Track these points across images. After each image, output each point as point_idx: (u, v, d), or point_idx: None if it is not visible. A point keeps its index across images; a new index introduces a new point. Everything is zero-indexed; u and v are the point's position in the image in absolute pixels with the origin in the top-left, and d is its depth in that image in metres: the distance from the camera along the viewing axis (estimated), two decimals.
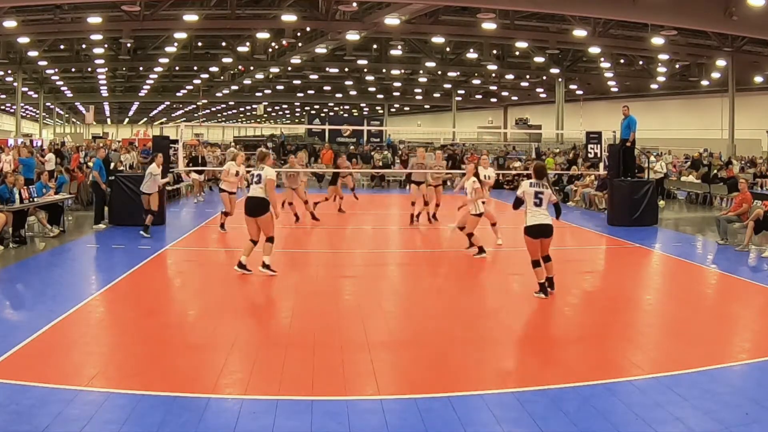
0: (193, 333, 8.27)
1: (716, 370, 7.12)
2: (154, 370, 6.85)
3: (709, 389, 6.56)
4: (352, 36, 34.33)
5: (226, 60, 45.50)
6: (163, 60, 44.41)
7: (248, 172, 15.32)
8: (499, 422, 5.80)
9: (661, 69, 43.08)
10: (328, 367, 7.02)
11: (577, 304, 10.54)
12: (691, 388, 6.57)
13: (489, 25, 31.35)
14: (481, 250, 13.51)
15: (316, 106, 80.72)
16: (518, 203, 10.09)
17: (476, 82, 56.39)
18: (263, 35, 36.35)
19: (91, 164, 22.72)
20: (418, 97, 68.08)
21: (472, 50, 42.40)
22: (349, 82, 59.25)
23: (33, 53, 39.88)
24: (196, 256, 14.11)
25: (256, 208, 11.19)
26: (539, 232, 9.79)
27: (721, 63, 38.07)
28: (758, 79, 41.62)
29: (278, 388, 6.41)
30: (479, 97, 65.97)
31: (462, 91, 62.04)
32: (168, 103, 76.10)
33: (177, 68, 51.54)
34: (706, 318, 9.48)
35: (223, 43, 44.51)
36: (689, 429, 5.71)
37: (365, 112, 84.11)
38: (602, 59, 41.89)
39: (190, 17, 30.67)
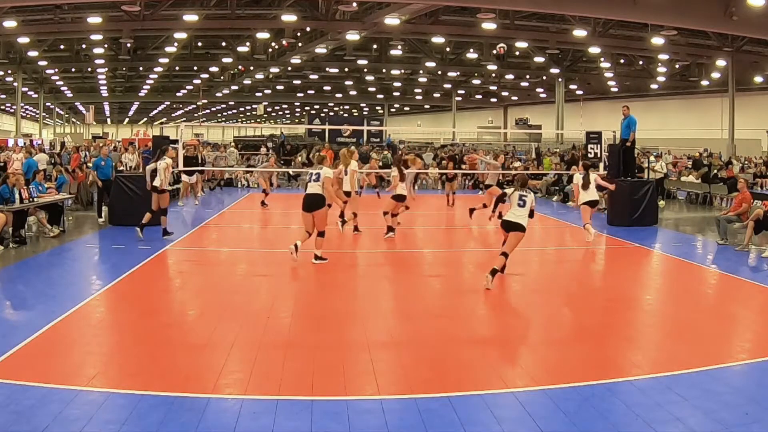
0: (193, 333, 8.26)
1: (716, 370, 7.12)
2: (154, 370, 6.84)
3: (709, 389, 6.57)
4: (352, 36, 34.37)
5: (226, 60, 45.53)
6: (163, 60, 44.42)
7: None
8: (499, 422, 5.80)
9: (661, 69, 43.10)
10: (328, 367, 7.02)
11: (577, 304, 10.55)
12: (691, 388, 6.57)
13: (489, 25, 31.37)
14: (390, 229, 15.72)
15: (316, 106, 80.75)
16: (501, 199, 12.55)
17: (476, 82, 56.41)
18: (263, 35, 36.44)
19: (90, 164, 22.79)
20: (418, 97, 68.09)
21: (472, 50, 42.42)
22: (349, 82, 59.29)
23: (33, 53, 39.92)
24: (196, 256, 14.10)
25: (314, 204, 12.39)
26: (509, 227, 11.20)
27: (721, 63, 38.08)
28: (758, 79, 41.62)
29: (278, 388, 6.41)
30: (479, 97, 66.01)
31: (462, 91, 62.05)
32: (168, 103, 76.11)
33: (177, 68, 51.55)
34: (706, 318, 9.47)
35: (223, 43, 44.53)
36: (689, 429, 5.71)
37: (365, 112, 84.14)
38: (602, 59, 41.91)
39: (190, 17, 30.71)
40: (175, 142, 22.01)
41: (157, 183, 14.98)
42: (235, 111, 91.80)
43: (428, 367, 7.21)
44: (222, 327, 8.36)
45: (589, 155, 21.71)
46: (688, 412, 6.01)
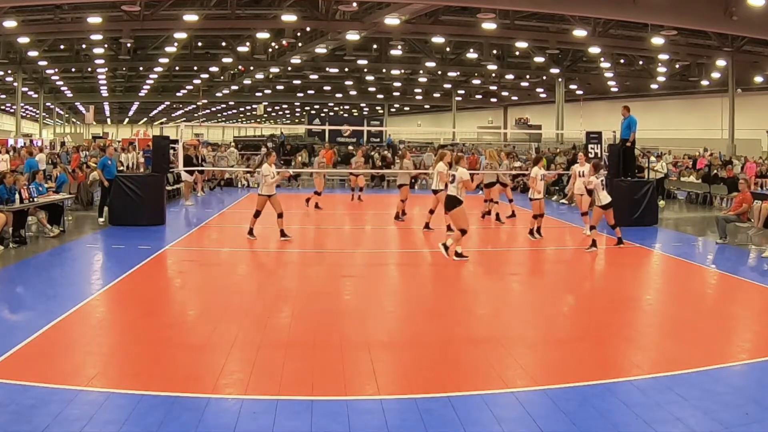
0: (193, 333, 8.25)
1: (716, 370, 7.13)
2: (154, 370, 6.84)
3: (710, 389, 6.57)
4: (352, 36, 34.28)
5: (226, 60, 45.43)
6: (163, 60, 44.31)
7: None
8: (499, 422, 5.80)
9: (661, 69, 43.01)
10: (328, 367, 7.02)
11: (577, 303, 10.57)
12: (691, 388, 6.57)
13: (489, 25, 31.30)
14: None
15: (316, 106, 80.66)
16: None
17: (476, 82, 56.34)
18: (263, 35, 36.29)
19: (91, 164, 22.78)
20: (418, 97, 67.98)
21: (472, 50, 42.37)
22: (349, 82, 59.20)
23: (33, 53, 39.82)
24: (196, 256, 14.07)
25: (449, 204, 13.13)
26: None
27: (721, 63, 38.03)
28: (758, 79, 41.56)
29: (278, 389, 6.41)
30: (479, 97, 65.90)
31: (462, 91, 61.98)
32: (168, 103, 76.03)
33: (177, 68, 51.47)
34: (706, 318, 9.47)
35: (223, 43, 44.42)
36: (689, 429, 5.71)
37: (365, 112, 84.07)
38: (602, 59, 41.81)
39: (190, 17, 30.61)
40: (176, 142, 22.04)
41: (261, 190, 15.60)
42: (235, 111, 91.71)
43: (428, 367, 7.22)
44: (222, 327, 8.36)
45: (590, 155, 21.65)
46: (688, 412, 6.01)
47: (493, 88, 59.53)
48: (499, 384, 6.70)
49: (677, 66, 41.61)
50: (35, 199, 14.90)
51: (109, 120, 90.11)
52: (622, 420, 5.87)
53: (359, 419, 5.82)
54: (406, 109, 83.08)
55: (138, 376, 6.60)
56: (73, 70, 51.13)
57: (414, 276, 12.44)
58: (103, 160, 18.32)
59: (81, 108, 68.40)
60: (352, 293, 10.77)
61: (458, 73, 52.58)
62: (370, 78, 56.78)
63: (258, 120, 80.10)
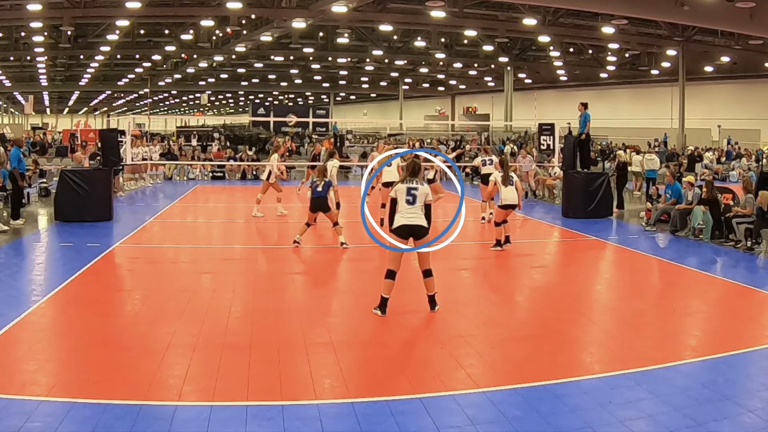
0: (152, 336, 7.92)
1: (683, 365, 7.19)
2: (116, 377, 6.57)
3: (679, 385, 6.60)
4: (298, 24, 33.93)
5: (169, 48, 44.57)
6: (105, 48, 43.33)
7: None
8: (473, 423, 5.72)
9: (611, 58, 43.53)
10: (294, 369, 6.88)
11: (539, 299, 10.51)
12: (659, 384, 6.60)
13: (438, 13, 31.29)
14: None
15: (261, 95, 79.88)
16: (392, 204, 9.17)
17: (424, 70, 56.35)
18: (207, 23, 35.73)
19: None
20: (365, 86, 67.80)
21: (420, 38, 42.31)
22: (294, 71, 58.79)
23: None
24: (147, 253, 13.71)
25: None
26: (408, 233, 8.88)
27: (671, 52, 38.62)
28: (708, 68, 42.28)
29: (246, 394, 6.24)
30: (426, 85, 66.02)
31: (409, 80, 61.99)
32: (109, 92, 74.57)
33: (119, 56, 50.49)
34: (669, 312, 9.45)
35: (166, 31, 43.59)
36: (662, 425, 5.72)
37: (310, 101, 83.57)
38: (552, 48, 42.11)
39: (133, 4, 29.90)
40: (123, 133, 21.59)
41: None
42: (177, 100, 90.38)
43: (396, 367, 7.14)
44: (181, 329, 8.13)
45: (542, 146, 21.74)
46: (660, 409, 6.03)
47: (441, 76, 59.67)
48: (470, 384, 6.61)
49: (627, 55, 42.18)
50: None
51: (48, 110, 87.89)
52: (596, 418, 5.85)
53: (333, 424, 5.70)
54: (352, 97, 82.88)
55: (100, 384, 6.34)
56: (11, 58, 49.65)
57: (374, 272, 12.23)
58: (15, 152, 16.24)
59: (20, 98, 66.61)
60: (312, 290, 10.63)
61: (405, 61, 52.51)
62: (315, 66, 56.50)
63: (201, 110, 79.03)
